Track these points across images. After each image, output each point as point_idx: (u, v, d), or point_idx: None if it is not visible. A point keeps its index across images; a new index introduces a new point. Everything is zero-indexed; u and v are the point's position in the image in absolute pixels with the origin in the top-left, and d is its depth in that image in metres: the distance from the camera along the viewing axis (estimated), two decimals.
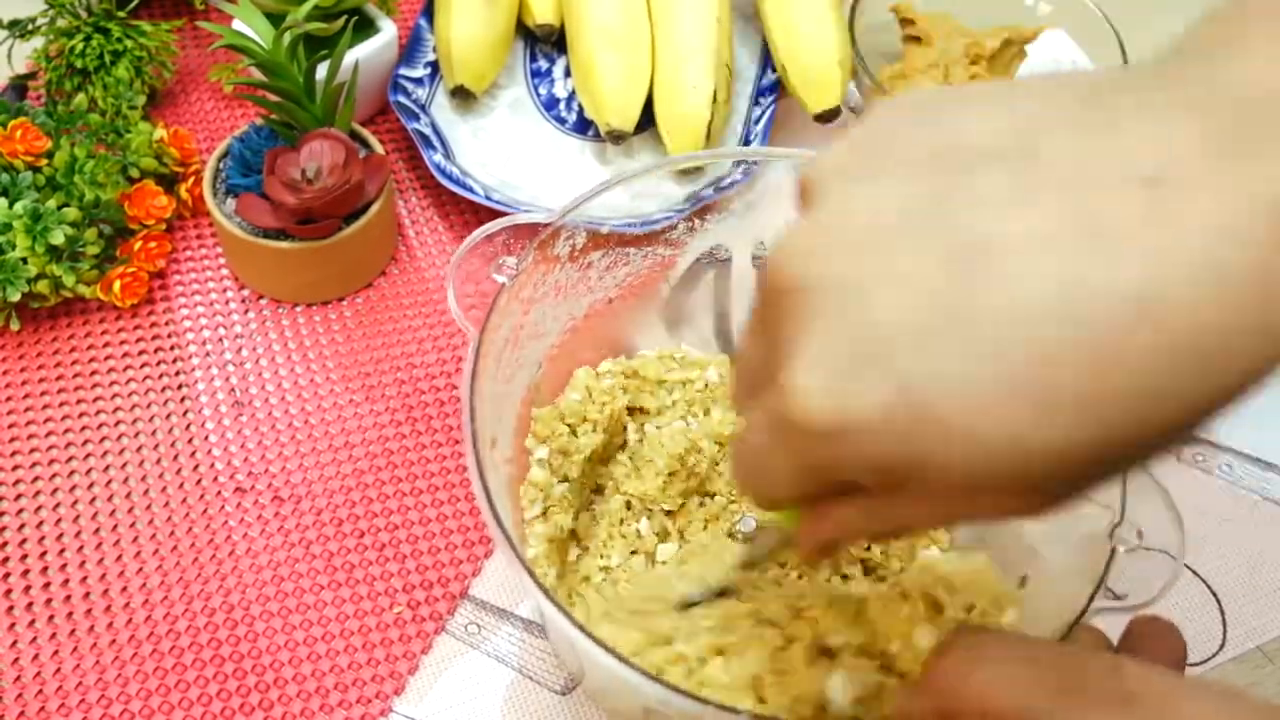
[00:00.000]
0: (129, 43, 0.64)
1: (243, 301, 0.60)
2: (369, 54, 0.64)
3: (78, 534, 0.51)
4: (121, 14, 0.65)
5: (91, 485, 0.53)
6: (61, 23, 0.65)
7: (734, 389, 0.30)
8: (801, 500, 0.29)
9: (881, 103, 0.26)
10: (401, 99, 0.65)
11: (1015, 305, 0.21)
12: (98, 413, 0.55)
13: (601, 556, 0.48)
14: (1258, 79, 0.21)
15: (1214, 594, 0.53)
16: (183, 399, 0.56)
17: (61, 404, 0.55)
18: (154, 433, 0.55)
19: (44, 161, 0.56)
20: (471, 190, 0.61)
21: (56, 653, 0.48)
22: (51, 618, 0.49)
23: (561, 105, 0.69)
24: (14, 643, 0.48)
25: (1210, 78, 0.22)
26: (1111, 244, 0.21)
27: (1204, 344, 0.20)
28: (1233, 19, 0.23)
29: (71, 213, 0.55)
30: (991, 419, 0.21)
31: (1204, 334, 0.20)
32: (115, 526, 0.52)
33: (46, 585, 0.50)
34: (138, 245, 0.58)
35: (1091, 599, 0.36)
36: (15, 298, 0.54)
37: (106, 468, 0.54)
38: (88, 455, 0.54)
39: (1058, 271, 0.21)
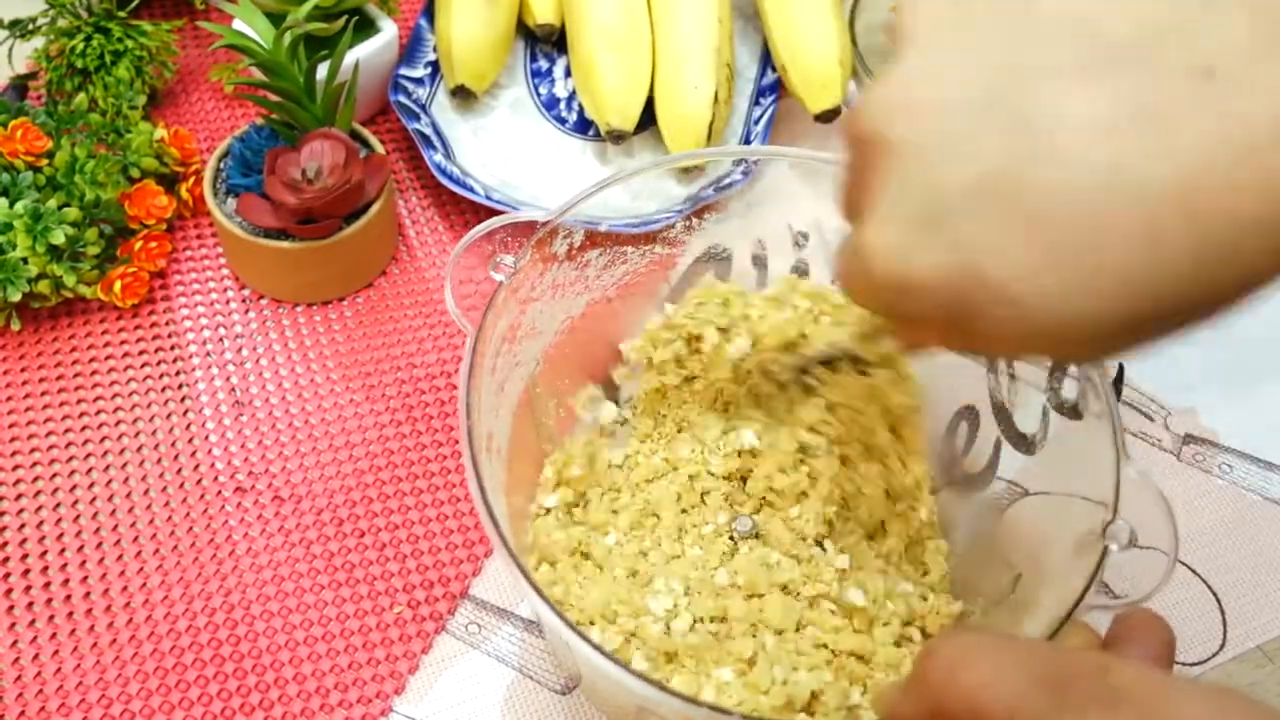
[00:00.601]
0: (129, 43, 0.64)
1: (243, 301, 0.60)
2: (369, 54, 0.64)
3: (78, 534, 0.51)
4: (122, 14, 0.66)
5: (91, 485, 0.53)
6: (62, 23, 0.65)
7: (841, 203, 0.31)
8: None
9: None
10: (402, 99, 0.65)
11: (1067, 185, 0.23)
12: (98, 413, 0.55)
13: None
14: None
15: (1214, 594, 0.53)
16: (183, 399, 0.56)
17: (61, 404, 0.55)
18: (154, 433, 0.55)
19: (44, 161, 0.56)
20: (472, 190, 0.61)
21: (56, 653, 0.48)
22: (51, 618, 0.49)
23: (562, 105, 0.69)
24: (14, 643, 0.48)
25: None
26: (1161, 131, 0.22)
27: (1236, 233, 0.22)
28: None
29: (72, 213, 0.55)
30: (1034, 286, 0.24)
31: (1237, 224, 0.22)
32: (115, 526, 0.52)
33: (46, 585, 0.50)
34: (138, 245, 0.58)
35: (1083, 596, 0.36)
36: (16, 298, 0.54)
37: (106, 468, 0.54)
38: (88, 455, 0.54)
39: (1108, 156, 0.22)
